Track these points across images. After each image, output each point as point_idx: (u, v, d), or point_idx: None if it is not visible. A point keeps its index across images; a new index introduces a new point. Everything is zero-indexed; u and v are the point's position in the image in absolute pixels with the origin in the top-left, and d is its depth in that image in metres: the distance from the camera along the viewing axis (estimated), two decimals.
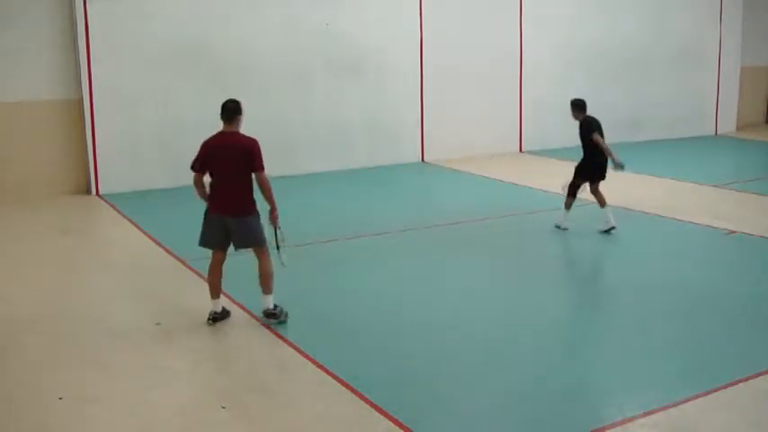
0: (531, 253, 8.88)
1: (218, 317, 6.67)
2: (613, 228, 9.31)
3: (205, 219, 6.61)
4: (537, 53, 15.72)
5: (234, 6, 12.77)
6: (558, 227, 9.58)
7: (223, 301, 7.08)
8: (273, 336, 6.39)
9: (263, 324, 6.59)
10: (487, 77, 15.24)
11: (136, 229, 9.93)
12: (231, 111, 6.47)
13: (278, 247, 6.72)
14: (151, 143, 12.42)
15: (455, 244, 9.28)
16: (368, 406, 5.16)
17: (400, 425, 4.89)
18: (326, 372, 5.67)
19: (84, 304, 7.34)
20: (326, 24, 13.51)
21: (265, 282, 6.61)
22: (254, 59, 13.02)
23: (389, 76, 14.24)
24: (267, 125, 13.29)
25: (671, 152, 15.44)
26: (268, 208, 6.54)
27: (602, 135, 9.22)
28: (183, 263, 8.38)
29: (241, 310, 6.94)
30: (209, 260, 6.64)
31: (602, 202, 9.44)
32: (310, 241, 9.19)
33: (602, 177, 9.44)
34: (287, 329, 6.47)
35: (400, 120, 14.58)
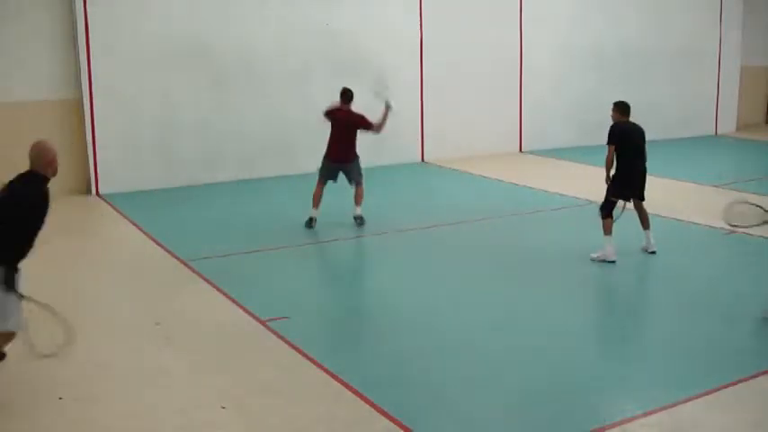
0: (531, 253, 8.87)
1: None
2: (653, 252, 8.55)
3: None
4: (537, 53, 15.70)
5: (234, 6, 12.76)
6: (593, 259, 8.33)
7: (223, 302, 7.08)
8: (274, 336, 6.38)
9: (263, 324, 6.60)
10: (487, 78, 15.22)
11: (136, 229, 9.93)
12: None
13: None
14: (151, 143, 12.40)
15: (455, 244, 9.28)
16: (368, 406, 5.15)
17: (400, 425, 4.89)
18: (327, 372, 5.67)
19: (84, 304, 7.33)
20: (326, 24, 13.51)
21: None
22: (254, 59, 13.00)
23: (389, 76, 14.22)
24: (267, 125, 13.32)
25: (671, 152, 15.40)
26: None
27: (629, 145, 8.30)
28: (183, 263, 8.37)
29: (241, 311, 6.95)
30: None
31: (643, 222, 8.63)
32: (311, 241, 9.19)
33: (638, 194, 8.53)
34: (287, 329, 6.47)
35: (400, 120, 14.56)
